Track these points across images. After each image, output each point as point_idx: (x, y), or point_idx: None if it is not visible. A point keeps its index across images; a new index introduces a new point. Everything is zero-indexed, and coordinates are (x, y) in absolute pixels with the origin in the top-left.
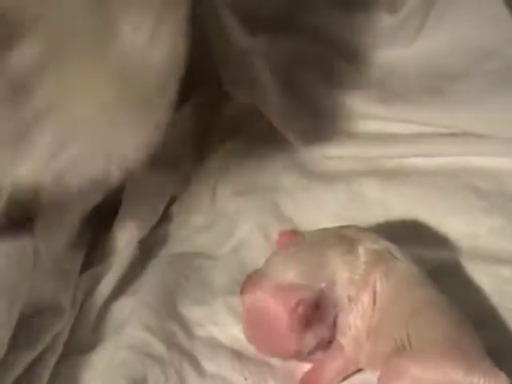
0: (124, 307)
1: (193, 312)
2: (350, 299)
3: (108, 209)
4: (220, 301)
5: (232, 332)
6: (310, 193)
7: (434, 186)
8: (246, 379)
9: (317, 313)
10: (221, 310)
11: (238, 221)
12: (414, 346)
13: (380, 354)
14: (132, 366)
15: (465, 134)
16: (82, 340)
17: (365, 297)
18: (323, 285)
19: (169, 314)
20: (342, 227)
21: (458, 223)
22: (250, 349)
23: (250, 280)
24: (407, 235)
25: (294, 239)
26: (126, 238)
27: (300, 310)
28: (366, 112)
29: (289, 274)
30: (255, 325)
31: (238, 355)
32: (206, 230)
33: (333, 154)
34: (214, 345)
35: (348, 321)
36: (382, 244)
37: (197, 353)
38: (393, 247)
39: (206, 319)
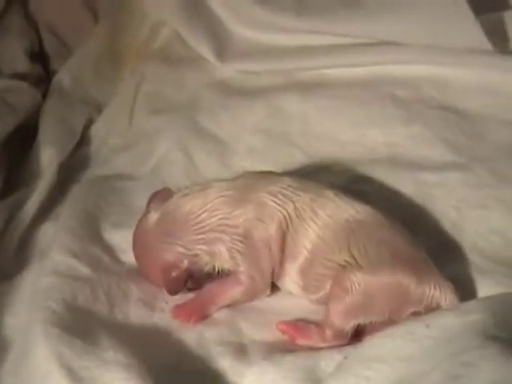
0: (46, 232)
1: (115, 236)
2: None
3: (26, 134)
4: None
5: None
6: (229, 109)
7: (353, 98)
8: (166, 303)
9: (188, 276)
10: None
11: (157, 140)
12: (361, 264)
13: (319, 280)
14: (60, 288)
15: (383, 44)
16: (5, 266)
17: (266, 237)
18: (197, 251)
19: (92, 239)
20: (237, 177)
21: (376, 134)
22: None
23: (155, 197)
24: (326, 150)
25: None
26: (45, 161)
27: (173, 274)
28: (281, 25)
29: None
30: (139, 248)
31: None
32: (125, 151)
33: (249, 69)
34: (137, 270)
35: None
36: (285, 181)
37: (124, 277)
38: (299, 180)
39: (129, 243)
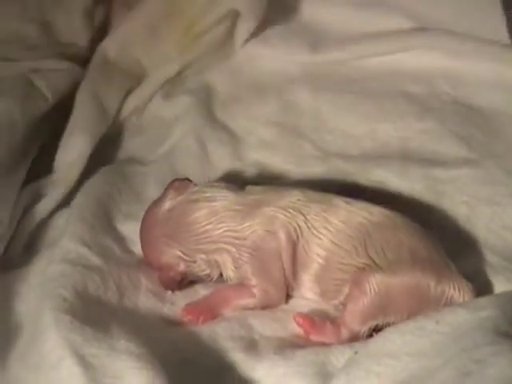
0: (59, 220)
1: (127, 227)
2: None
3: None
4: None
5: None
6: (242, 102)
7: (366, 92)
8: (174, 294)
9: (183, 279)
10: None
11: (172, 125)
12: (380, 266)
13: (337, 285)
14: (71, 276)
15: (398, 32)
16: (18, 253)
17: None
18: (196, 258)
19: (103, 229)
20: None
21: (389, 128)
22: None
23: (174, 184)
24: (338, 144)
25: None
26: (75, 152)
27: (170, 274)
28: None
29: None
30: (146, 232)
31: None
32: (139, 134)
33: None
34: None
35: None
36: (293, 193)
37: (134, 268)
38: (306, 192)
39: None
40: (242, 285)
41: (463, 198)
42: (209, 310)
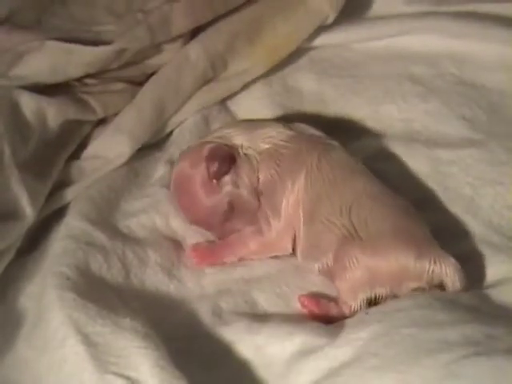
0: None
1: (135, 204)
2: (275, 180)
3: None
4: (163, 191)
5: (171, 224)
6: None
7: (369, 74)
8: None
9: (227, 165)
10: (164, 200)
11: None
12: (361, 235)
13: (320, 243)
14: (73, 254)
15: (402, 16)
16: (33, 238)
17: (296, 178)
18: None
19: (110, 207)
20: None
21: (393, 109)
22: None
23: (184, 152)
24: (342, 125)
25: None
26: (118, 150)
27: (209, 156)
28: None
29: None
30: (178, 193)
31: (178, 246)
32: None
33: None
34: (157, 235)
35: (273, 202)
36: (318, 133)
37: (141, 243)
38: (328, 137)
39: (149, 208)
40: (247, 230)
41: (467, 178)
42: (215, 255)
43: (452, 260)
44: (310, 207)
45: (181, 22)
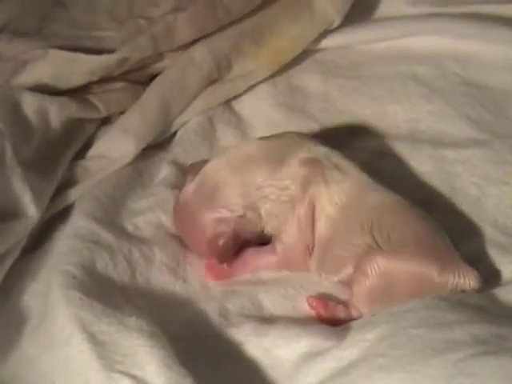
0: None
1: (141, 203)
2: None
3: None
4: (168, 191)
5: None
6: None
7: (374, 75)
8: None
9: (235, 242)
10: (169, 199)
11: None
12: (383, 248)
13: (339, 262)
14: (79, 252)
15: (403, 17)
16: (38, 236)
17: (301, 209)
18: (242, 211)
19: (117, 208)
20: (277, 136)
21: (398, 110)
22: None
23: (192, 168)
24: (347, 126)
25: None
26: (123, 150)
27: (220, 243)
28: None
29: (225, 190)
30: (182, 222)
31: (184, 244)
32: None
33: None
34: (163, 233)
35: (282, 230)
36: (321, 151)
37: (147, 242)
38: (333, 153)
39: (155, 206)
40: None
41: (472, 178)
42: (228, 273)
43: (475, 272)
44: (327, 231)
45: (184, 33)
